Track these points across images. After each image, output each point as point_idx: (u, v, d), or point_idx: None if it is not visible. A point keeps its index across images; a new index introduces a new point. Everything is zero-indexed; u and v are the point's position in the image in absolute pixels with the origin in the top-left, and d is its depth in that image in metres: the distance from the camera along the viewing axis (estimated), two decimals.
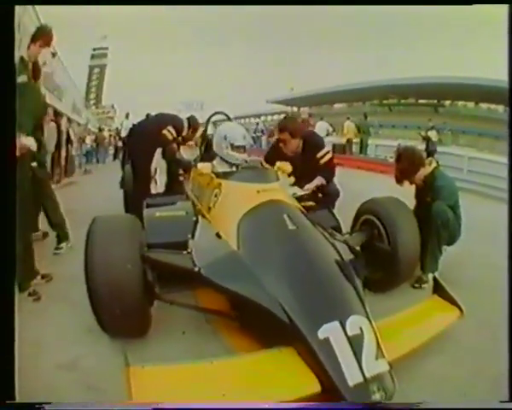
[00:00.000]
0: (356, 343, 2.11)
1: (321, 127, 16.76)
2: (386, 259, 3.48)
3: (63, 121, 10.84)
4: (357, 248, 3.34)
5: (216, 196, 3.49)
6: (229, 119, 5.57)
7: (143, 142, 5.38)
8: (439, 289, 3.05)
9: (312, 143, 4.58)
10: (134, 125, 5.90)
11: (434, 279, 3.20)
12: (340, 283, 2.48)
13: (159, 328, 2.98)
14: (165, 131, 5.32)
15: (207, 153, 4.70)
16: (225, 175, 3.62)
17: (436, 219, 3.76)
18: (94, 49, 27.31)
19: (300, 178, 4.29)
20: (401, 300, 3.40)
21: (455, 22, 18.87)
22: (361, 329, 2.18)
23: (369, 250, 3.56)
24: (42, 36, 3.72)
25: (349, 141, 16.43)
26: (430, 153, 13.38)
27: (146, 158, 5.42)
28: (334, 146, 16.24)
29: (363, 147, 16.41)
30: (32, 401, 2.02)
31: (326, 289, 2.41)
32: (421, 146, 13.80)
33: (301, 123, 4.80)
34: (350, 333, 2.14)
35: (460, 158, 12.00)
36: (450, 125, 19.08)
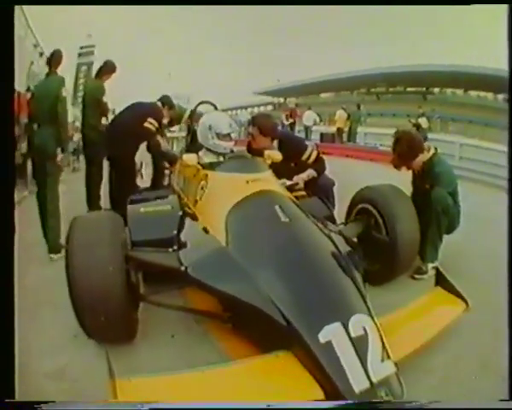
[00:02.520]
0: (360, 345, 1.95)
1: (308, 117, 16.81)
2: (384, 250, 3.31)
3: None
4: (354, 239, 3.17)
5: (202, 188, 3.29)
6: (215, 108, 5.33)
7: (125, 135, 5.12)
8: (441, 280, 2.88)
9: (291, 146, 4.31)
10: (112, 119, 5.67)
11: (437, 270, 3.02)
12: (339, 279, 2.30)
13: (146, 331, 2.81)
14: (147, 124, 5.09)
15: (193, 144, 4.47)
16: (212, 166, 3.41)
17: (436, 205, 3.61)
18: (81, 48, 27.00)
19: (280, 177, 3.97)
20: (400, 293, 3.23)
21: (455, 22, 18.86)
22: (364, 329, 2.01)
23: (365, 241, 3.37)
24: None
25: (339, 130, 16.15)
26: None
27: (129, 152, 5.21)
28: (321, 135, 16.20)
29: (351, 135, 16.19)
30: (31, 401, 1.99)
31: (325, 286, 2.23)
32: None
33: (273, 122, 4.47)
34: (353, 334, 1.98)
35: (452, 144, 11.89)
36: (439, 112, 19.01)
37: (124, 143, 5.10)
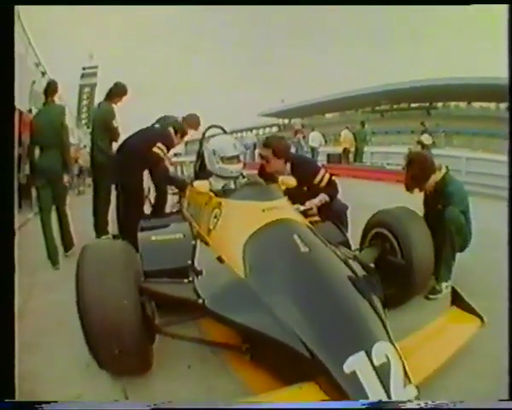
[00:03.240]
0: (383, 373, 1.92)
1: (314, 138, 16.79)
2: (400, 273, 3.29)
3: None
4: (371, 265, 3.14)
5: (216, 216, 3.22)
6: (224, 132, 5.31)
7: (133, 160, 5.01)
8: (457, 299, 2.84)
9: (304, 169, 4.26)
10: (121, 143, 5.50)
11: (453, 289, 2.95)
12: (360, 307, 2.25)
13: (161, 362, 2.75)
14: (155, 149, 4.96)
15: (203, 171, 4.39)
16: (225, 193, 3.37)
17: (450, 225, 3.59)
18: (83, 69, 27.18)
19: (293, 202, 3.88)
20: (415, 314, 3.25)
21: (455, 22, 19.05)
22: (387, 356, 1.98)
23: (381, 265, 3.31)
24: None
25: (345, 150, 16.19)
26: None
27: (137, 177, 5.10)
28: (328, 156, 16.17)
29: (358, 155, 16.21)
30: (31, 401, 2.01)
31: (347, 316, 2.18)
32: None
33: (286, 143, 4.42)
34: (376, 363, 1.94)
35: (457, 160, 11.85)
36: (443, 126, 19.02)
37: (132, 167, 5.01)
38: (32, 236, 5.21)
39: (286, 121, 30.19)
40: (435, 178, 3.81)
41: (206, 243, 3.17)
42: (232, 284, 2.52)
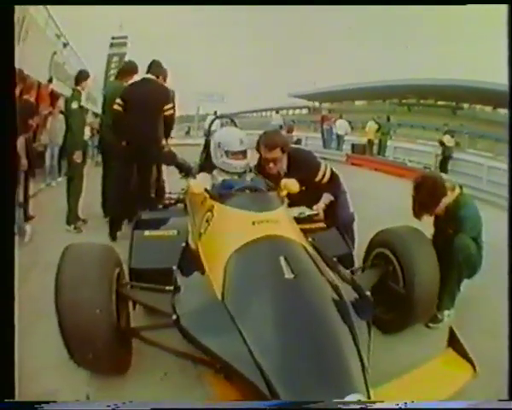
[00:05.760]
0: None
1: (341, 126, 16.88)
2: (400, 302, 3.07)
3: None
4: (368, 290, 2.72)
5: (207, 221, 2.98)
6: (233, 122, 5.10)
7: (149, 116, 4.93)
8: (454, 341, 2.58)
9: (302, 165, 3.93)
10: (126, 91, 5.23)
11: (450, 330, 2.66)
12: (342, 351, 1.98)
13: (139, 365, 2.73)
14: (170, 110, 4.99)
15: (209, 162, 4.12)
16: (220, 197, 3.09)
17: (458, 254, 3.35)
18: (113, 38, 27.03)
19: (291, 204, 3.68)
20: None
21: (454, 22, 18.63)
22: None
23: (381, 289, 3.07)
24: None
25: (370, 141, 15.95)
26: (445, 158, 13.50)
27: (153, 136, 5.01)
28: (353, 146, 16.09)
29: (381, 148, 16.02)
30: (31, 401, 2.00)
31: (324, 359, 1.92)
32: (438, 150, 13.85)
33: (282, 135, 4.11)
34: None
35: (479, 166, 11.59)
36: (467, 128, 18.65)
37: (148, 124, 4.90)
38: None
39: (316, 104, 29.72)
40: (447, 200, 3.51)
41: (197, 248, 2.96)
42: (208, 304, 2.32)
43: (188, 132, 24.53)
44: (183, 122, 25.27)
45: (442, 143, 13.76)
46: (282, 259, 2.36)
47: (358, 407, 1.74)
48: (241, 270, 2.41)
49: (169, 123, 5.18)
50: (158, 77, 5.18)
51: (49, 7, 9.40)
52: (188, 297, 2.46)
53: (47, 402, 1.97)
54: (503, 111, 21.85)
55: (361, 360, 1.99)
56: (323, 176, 3.94)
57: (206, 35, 27.78)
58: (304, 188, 3.67)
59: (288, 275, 2.27)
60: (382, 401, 1.83)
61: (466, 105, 23.42)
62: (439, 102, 24.29)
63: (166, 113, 5.00)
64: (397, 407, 1.85)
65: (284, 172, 3.91)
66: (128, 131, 4.95)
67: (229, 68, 28.53)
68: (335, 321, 2.13)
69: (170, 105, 5.04)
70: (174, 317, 2.27)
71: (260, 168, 4.04)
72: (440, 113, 22.74)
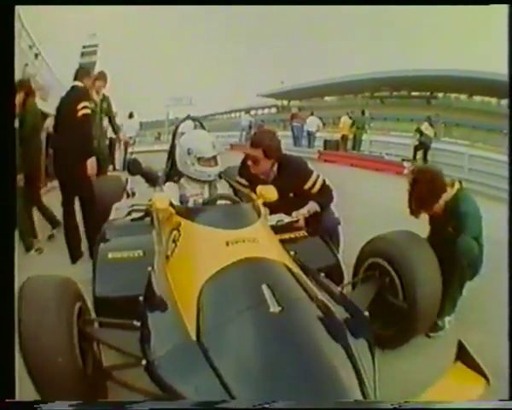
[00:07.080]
0: None
1: (312, 122, 16.64)
2: (401, 317, 2.77)
3: (48, 121, 10.43)
4: (365, 309, 2.42)
5: (174, 241, 2.56)
6: (201, 125, 4.62)
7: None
8: (463, 355, 2.40)
9: (293, 171, 3.64)
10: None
11: (459, 343, 2.51)
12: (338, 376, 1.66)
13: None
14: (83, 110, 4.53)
15: (174, 170, 3.72)
16: (188, 212, 2.68)
17: (462, 258, 3.06)
18: (83, 47, 26.91)
19: (275, 211, 3.35)
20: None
21: (454, 22, 18.82)
22: None
23: (378, 304, 2.75)
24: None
25: (344, 137, 15.76)
26: (422, 147, 13.27)
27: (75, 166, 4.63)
28: (325, 142, 15.93)
29: (356, 143, 15.80)
30: (31, 401, 1.95)
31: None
32: (416, 141, 13.61)
33: (278, 140, 3.70)
34: None
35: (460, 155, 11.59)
36: (443, 117, 18.77)
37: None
38: None
39: (285, 103, 29.79)
40: (446, 197, 3.23)
41: (165, 273, 2.53)
42: (182, 346, 1.94)
43: (158, 138, 24.36)
44: (153, 128, 25.49)
45: (421, 133, 13.46)
46: (264, 287, 1.99)
47: (358, 407, 1.67)
48: (217, 304, 2.04)
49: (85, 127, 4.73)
50: (83, 82, 4.82)
51: (22, 17, 9.13)
52: (158, 336, 2.10)
53: (47, 402, 1.90)
54: (479, 99, 22.22)
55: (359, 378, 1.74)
56: (314, 185, 3.62)
57: (171, 38, 27.58)
58: (292, 195, 3.50)
59: (274, 308, 1.89)
60: (382, 402, 1.77)
61: (440, 94, 23.67)
62: (413, 93, 24.53)
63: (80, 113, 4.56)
64: (397, 407, 1.74)
65: (275, 175, 3.65)
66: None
67: (196, 71, 28.37)
68: (330, 351, 1.83)
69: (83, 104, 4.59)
70: (144, 362, 1.93)
71: (243, 170, 3.80)
72: (414, 104, 23.02)
